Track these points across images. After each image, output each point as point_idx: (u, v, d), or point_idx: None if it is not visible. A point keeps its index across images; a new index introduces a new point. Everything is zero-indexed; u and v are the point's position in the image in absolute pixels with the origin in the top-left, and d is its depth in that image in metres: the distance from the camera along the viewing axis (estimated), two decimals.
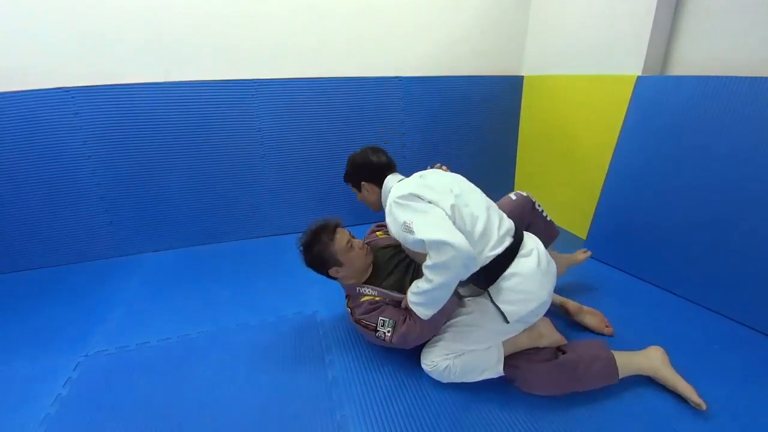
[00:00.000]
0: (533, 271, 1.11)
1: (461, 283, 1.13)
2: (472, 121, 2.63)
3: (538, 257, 1.15)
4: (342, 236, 1.36)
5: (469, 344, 1.18)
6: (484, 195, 1.24)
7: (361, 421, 1.12)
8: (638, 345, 1.29)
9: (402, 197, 1.11)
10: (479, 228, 1.11)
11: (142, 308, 1.71)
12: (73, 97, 1.93)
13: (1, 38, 1.80)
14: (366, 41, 2.32)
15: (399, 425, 1.11)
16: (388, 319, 1.22)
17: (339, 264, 1.33)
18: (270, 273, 1.93)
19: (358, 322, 1.29)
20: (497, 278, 1.11)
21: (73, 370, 1.35)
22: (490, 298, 1.12)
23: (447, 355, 1.18)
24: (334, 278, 1.39)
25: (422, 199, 1.10)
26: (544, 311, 1.16)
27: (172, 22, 1.99)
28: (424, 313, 1.12)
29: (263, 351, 1.42)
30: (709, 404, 1.10)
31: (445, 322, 1.23)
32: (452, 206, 1.09)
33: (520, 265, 1.12)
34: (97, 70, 1.95)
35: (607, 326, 1.44)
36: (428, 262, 1.05)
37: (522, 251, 1.15)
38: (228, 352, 1.42)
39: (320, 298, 1.70)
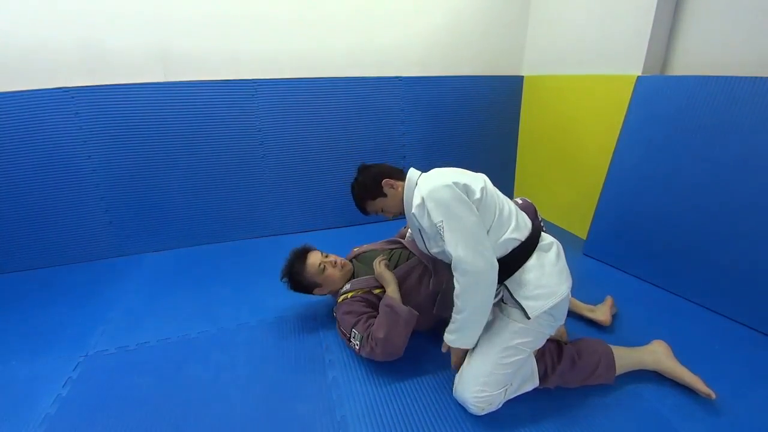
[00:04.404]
0: (553, 265, 1.10)
1: None
2: (472, 121, 2.63)
3: (558, 251, 1.15)
4: (313, 260, 1.46)
5: (513, 366, 1.08)
6: None
7: (361, 421, 1.12)
8: (637, 344, 1.29)
9: (435, 190, 1.06)
10: (506, 209, 1.13)
11: (142, 308, 1.71)
12: (73, 97, 1.93)
13: (1, 38, 1.81)
14: (366, 41, 2.32)
15: (399, 425, 1.11)
16: (358, 333, 1.27)
17: (318, 285, 1.46)
18: (270, 273, 1.91)
19: (338, 324, 1.39)
20: (517, 269, 1.08)
21: (73, 370, 1.35)
22: (509, 293, 1.09)
23: (498, 391, 1.07)
24: (322, 295, 1.53)
25: (458, 189, 1.05)
26: (565, 310, 1.13)
27: (172, 21, 1.99)
28: (467, 343, 1.11)
29: (263, 351, 1.42)
30: (708, 404, 1.10)
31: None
32: (482, 188, 1.09)
33: (540, 258, 1.10)
34: (97, 70, 1.95)
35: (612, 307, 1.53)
36: (456, 289, 1.06)
37: (542, 243, 1.14)
38: (228, 353, 1.42)
39: (320, 299, 1.70)
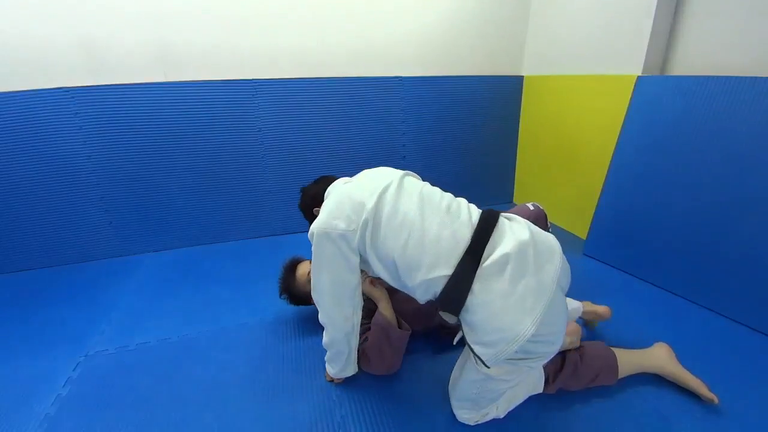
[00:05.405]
0: (506, 296, 0.80)
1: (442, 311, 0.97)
2: (472, 121, 2.63)
3: (514, 272, 0.81)
4: (302, 270, 1.47)
5: (495, 392, 1.01)
6: (425, 192, 0.99)
7: (361, 421, 1.12)
8: (638, 345, 1.29)
9: (313, 230, 0.98)
10: (413, 239, 0.89)
11: (142, 308, 1.71)
12: (73, 97, 1.93)
13: (1, 38, 1.80)
14: (366, 41, 2.32)
15: (399, 425, 1.10)
16: None
17: None
18: (270, 273, 1.91)
19: None
20: (459, 307, 0.85)
21: (73, 370, 1.35)
22: (463, 332, 0.91)
23: (485, 409, 1.06)
24: None
25: (332, 237, 0.94)
26: (550, 343, 0.86)
27: (173, 21, 1.99)
28: (329, 369, 1.22)
29: (263, 351, 1.42)
30: (709, 405, 1.11)
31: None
32: (364, 223, 0.93)
33: (486, 290, 0.82)
34: (97, 70, 1.95)
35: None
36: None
37: (485, 265, 0.83)
38: (228, 352, 1.42)
39: None
